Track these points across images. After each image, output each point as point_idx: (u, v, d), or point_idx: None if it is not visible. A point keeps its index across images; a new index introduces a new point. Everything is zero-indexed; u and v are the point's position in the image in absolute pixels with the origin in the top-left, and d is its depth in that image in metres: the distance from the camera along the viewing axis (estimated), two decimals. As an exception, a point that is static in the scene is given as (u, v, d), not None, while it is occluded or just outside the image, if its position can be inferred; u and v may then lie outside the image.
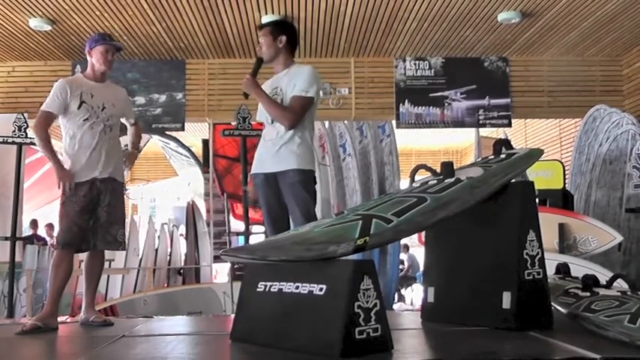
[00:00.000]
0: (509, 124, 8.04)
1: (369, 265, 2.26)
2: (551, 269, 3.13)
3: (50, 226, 10.27)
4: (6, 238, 5.66)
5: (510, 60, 7.92)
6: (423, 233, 3.42)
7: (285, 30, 3.57)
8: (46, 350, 2.99)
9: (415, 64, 7.89)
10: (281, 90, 3.47)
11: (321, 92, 7.86)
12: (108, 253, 3.87)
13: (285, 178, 3.41)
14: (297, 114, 3.40)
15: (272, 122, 3.48)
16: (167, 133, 8.57)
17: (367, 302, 2.19)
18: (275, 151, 3.44)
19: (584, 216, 5.39)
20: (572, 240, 4.87)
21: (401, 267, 10.79)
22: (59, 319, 3.53)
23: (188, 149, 9.79)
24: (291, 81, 3.44)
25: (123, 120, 3.86)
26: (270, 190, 3.48)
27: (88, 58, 3.68)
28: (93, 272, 3.67)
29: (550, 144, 9.24)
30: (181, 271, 8.50)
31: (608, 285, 2.87)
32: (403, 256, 11.44)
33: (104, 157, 3.58)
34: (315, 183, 3.53)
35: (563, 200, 5.59)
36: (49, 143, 3.56)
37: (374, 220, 2.38)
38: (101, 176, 3.56)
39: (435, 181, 2.86)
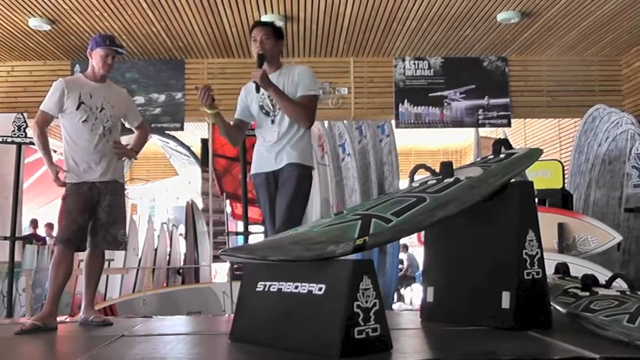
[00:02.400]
0: (509, 124, 8.04)
1: (369, 265, 2.26)
2: (550, 269, 3.13)
3: (50, 226, 10.27)
4: (5, 238, 5.65)
5: (509, 60, 7.93)
6: (423, 233, 3.43)
7: (283, 37, 3.62)
8: (45, 350, 2.99)
9: (414, 63, 7.89)
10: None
11: (321, 92, 7.95)
12: (107, 253, 3.87)
13: (283, 172, 3.41)
14: (313, 113, 3.47)
15: (272, 122, 3.47)
16: (166, 132, 8.57)
17: (366, 302, 2.19)
18: (278, 150, 3.44)
19: (584, 216, 5.39)
20: (571, 240, 4.87)
21: (400, 267, 10.79)
22: (58, 318, 3.53)
23: (188, 148, 9.78)
24: (292, 81, 3.44)
25: (125, 123, 3.85)
26: (271, 189, 3.48)
27: (89, 58, 3.67)
28: (93, 272, 3.67)
29: (549, 144, 9.24)
30: (181, 270, 8.49)
31: (608, 285, 2.87)
32: (402, 255, 11.45)
33: (104, 163, 3.58)
34: (311, 180, 3.49)
35: (562, 200, 5.59)
36: (45, 143, 3.56)
37: (373, 219, 2.38)
38: (101, 179, 3.57)
39: (435, 181, 2.86)
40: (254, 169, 3.56)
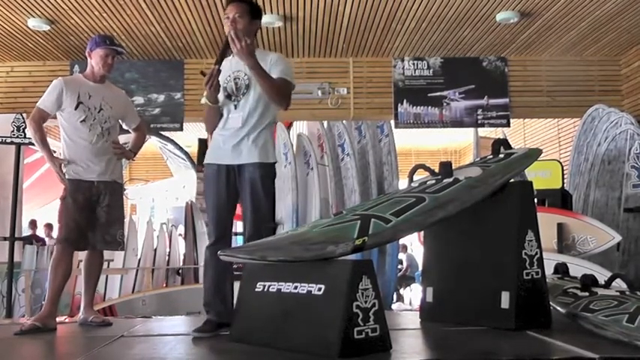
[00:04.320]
0: (508, 124, 8.04)
1: (368, 265, 2.27)
2: (549, 269, 3.13)
3: (49, 226, 10.27)
4: (5, 239, 5.65)
5: (509, 60, 7.92)
6: (423, 233, 3.42)
7: (260, 15, 3.35)
8: (45, 350, 2.99)
9: (414, 64, 7.89)
10: (246, 75, 3.20)
11: (319, 91, 7.95)
12: (107, 253, 3.88)
13: (244, 172, 3.15)
14: (290, 96, 3.24)
15: (235, 107, 3.21)
16: (165, 133, 8.56)
17: (366, 302, 2.19)
18: (235, 143, 3.17)
19: (583, 216, 5.39)
20: (570, 240, 4.87)
21: (400, 267, 10.79)
22: (58, 319, 3.53)
23: (185, 152, 9.78)
24: (265, 66, 3.17)
25: (123, 124, 3.86)
26: (222, 183, 3.20)
27: (88, 59, 3.68)
28: (92, 272, 3.68)
29: (549, 144, 9.24)
30: (180, 271, 8.48)
31: (607, 285, 2.88)
32: (402, 256, 11.45)
33: (103, 163, 3.59)
34: (274, 176, 3.27)
35: (561, 200, 5.59)
36: (42, 137, 3.58)
37: (372, 220, 2.38)
38: (100, 179, 3.58)
39: (434, 181, 2.87)
40: (207, 159, 3.30)
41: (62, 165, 3.53)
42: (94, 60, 3.64)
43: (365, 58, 7.92)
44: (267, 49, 7.38)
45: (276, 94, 3.16)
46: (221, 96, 3.24)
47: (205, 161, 3.30)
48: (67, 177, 3.53)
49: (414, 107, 7.83)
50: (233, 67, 3.25)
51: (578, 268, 3.84)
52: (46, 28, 6.60)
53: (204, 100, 3.25)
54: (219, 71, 3.16)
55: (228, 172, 3.19)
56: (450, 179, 2.80)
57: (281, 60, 3.26)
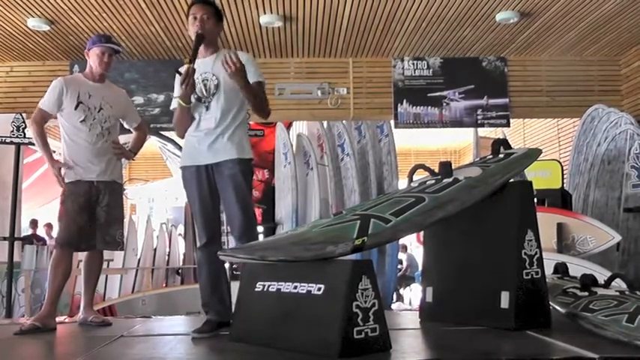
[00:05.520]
0: (508, 124, 8.04)
1: (368, 265, 2.27)
2: (549, 269, 3.13)
3: (49, 226, 10.27)
4: (4, 238, 5.65)
5: (509, 60, 7.93)
6: (422, 233, 3.42)
7: (222, 19, 3.38)
8: (45, 350, 2.99)
9: (413, 64, 7.89)
10: (214, 75, 3.22)
11: (319, 91, 7.96)
12: (106, 253, 3.88)
13: (223, 169, 3.13)
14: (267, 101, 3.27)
15: (207, 109, 3.21)
16: (165, 133, 8.55)
17: (365, 302, 2.19)
18: (211, 142, 3.16)
19: (583, 216, 5.39)
20: (570, 240, 4.87)
21: (399, 267, 10.79)
22: (57, 319, 3.53)
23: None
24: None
25: (124, 124, 3.86)
26: (203, 183, 3.18)
27: (87, 59, 3.69)
28: (91, 272, 3.67)
29: (548, 144, 9.24)
30: (180, 271, 8.49)
31: (607, 285, 2.88)
32: (401, 255, 11.45)
33: (103, 163, 3.59)
34: (253, 172, 3.29)
35: (561, 200, 5.60)
36: (45, 140, 3.58)
37: (372, 220, 2.38)
38: (100, 179, 3.58)
39: (434, 181, 2.87)
40: (183, 162, 3.29)
41: (62, 169, 3.53)
42: (92, 59, 3.65)
43: (365, 58, 7.92)
44: (267, 50, 7.42)
45: (263, 107, 3.20)
46: (192, 98, 3.23)
47: (182, 164, 3.30)
48: (66, 179, 3.53)
49: (414, 107, 7.83)
50: (200, 69, 3.25)
51: (578, 268, 3.84)
52: (46, 28, 6.60)
53: (175, 104, 3.27)
54: (194, 70, 3.17)
55: (207, 172, 3.18)
56: (450, 179, 2.81)
57: (250, 61, 3.23)
